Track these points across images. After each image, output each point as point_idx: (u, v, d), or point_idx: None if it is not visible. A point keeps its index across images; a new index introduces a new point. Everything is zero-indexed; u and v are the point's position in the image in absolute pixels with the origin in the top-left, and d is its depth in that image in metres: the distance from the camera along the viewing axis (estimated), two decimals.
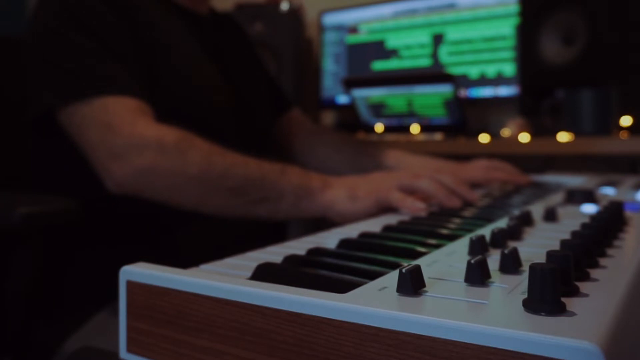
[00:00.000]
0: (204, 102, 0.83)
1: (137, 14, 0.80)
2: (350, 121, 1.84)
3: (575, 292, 0.29)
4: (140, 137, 0.70)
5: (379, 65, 1.86)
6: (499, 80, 1.63)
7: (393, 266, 0.36)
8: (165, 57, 0.80)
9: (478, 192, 0.75)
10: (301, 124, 1.10)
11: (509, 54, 1.61)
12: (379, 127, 1.66)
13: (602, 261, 0.36)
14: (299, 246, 0.46)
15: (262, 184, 0.71)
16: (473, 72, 1.67)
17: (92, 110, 0.72)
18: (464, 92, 1.67)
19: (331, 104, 1.96)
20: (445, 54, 1.73)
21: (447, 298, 0.29)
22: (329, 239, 0.49)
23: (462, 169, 0.90)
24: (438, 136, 1.53)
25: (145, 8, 0.82)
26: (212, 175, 0.70)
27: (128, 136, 0.70)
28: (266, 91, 1.04)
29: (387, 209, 0.66)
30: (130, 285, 0.36)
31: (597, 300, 0.29)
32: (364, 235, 0.50)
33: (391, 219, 0.58)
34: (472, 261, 0.31)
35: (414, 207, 0.61)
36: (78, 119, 0.72)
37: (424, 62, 1.76)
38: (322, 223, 0.64)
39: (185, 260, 0.41)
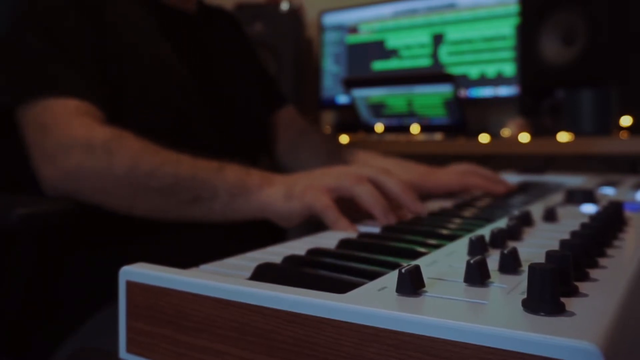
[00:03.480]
0: (172, 102, 0.82)
1: (107, 14, 0.79)
2: (350, 121, 1.85)
3: (574, 292, 0.29)
4: (69, 138, 0.68)
5: (379, 65, 1.86)
6: (499, 80, 1.63)
7: (393, 266, 0.36)
8: (132, 59, 0.79)
9: (435, 204, 0.70)
10: (289, 125, 1.08)
11: (509, 54, 1.61)
12: (379, 127, 1.66)
13: (602, 261, 0.37)
14: (298, 246, 0.46)
15: (193, 184, 0.67)
16: (473, 72, 1.67)
17: (34, 112, 0.71)
18: (464, 92, 1.67)
19: (331, 104, 1.96)
20: (445, 54, 1.73)
21: (447, 298, 0.29)
22: (329, 239, 0.49)
23: (436, 175, 0.84)
24: (438, 136, 1.53)
25: (117, 8, 0.81)
26: (139, 175, 0.67)
27: (58, 137, 0.68)
28: (258, 88, 1.03)
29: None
30: (130, 285, 0.36)
31: (597, 300, 0.29)
32: (363, 236, 0.50)
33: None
34: (472, 261, 0.31)
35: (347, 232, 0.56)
36: (23, 120, 0.72)
37: (424, 62, 1.76)
38: (322, 223, 0.62)
39: (184, 260, 0.41)
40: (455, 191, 0.83)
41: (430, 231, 0.50)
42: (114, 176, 0.67)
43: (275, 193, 0.64)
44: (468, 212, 0.61)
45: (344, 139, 1.58)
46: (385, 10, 1.84)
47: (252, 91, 1.00)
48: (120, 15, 0.81)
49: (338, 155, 1.01)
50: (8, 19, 0.78)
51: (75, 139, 0.68)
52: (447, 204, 0.69)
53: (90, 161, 0.67)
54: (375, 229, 0.53)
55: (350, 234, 0.54)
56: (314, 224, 0.63)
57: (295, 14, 1.90)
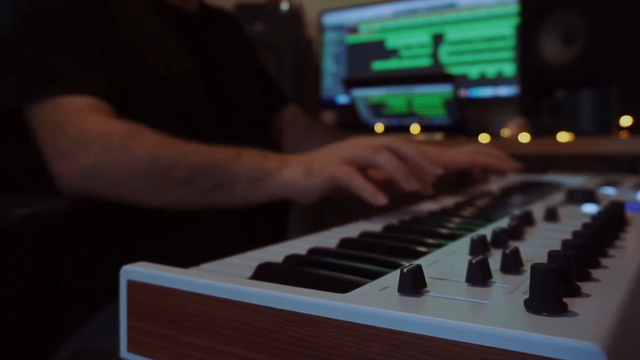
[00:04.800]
0: (178, 102, 0.82)
1: (112, 13, 0.79)
2: (350, 121, 1.85)
3: (576, 292, 0.29)
4: (85, 135, 0.68)
5: (379, 65, 1.86)
6: (499, 80, 1.63)
7: (394, 266, 0.36)
8: (138, 58, 0.79)
9: (436, 204, 0.71)
10: (293, 123, 1.08)
11: (509, 54, 1.61)
12: (379, 127, 1.66)
13: (604, 261, 0.36)
14: (299, 246, 0.46)
15: (214, 171, 0.67)
16: (473, 72, 1.67)
17: (45, 110, 0.71)
18: (464, 92, 1.67)
19: (331, 104, 1.96)
20: (445, 54, 1.73)
21: (448, 298, 0.29)
22: (330, 239, 0.49)
23: (446, 153, 0.86)
24: (438, 136, 1.53)
25: (122, 7, 0.81)
26: (160, 168, 0.67)
27: (73, 135, 0.68)
28: (259, 88, 1.03)
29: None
30: (131, 284, 0.36)
31: (599, 300, 0.29)
32: (364, 235, 0.50)
33: (392, 219, 0.58)
34: (473, 261, 0.31)
35: (374, 199, 0.58)
36: (35, 118, 0.72)
37: (424, 62, 1.76)
38: (323, 222, 0.62)
39: (185, 259, 0.41)
40: (466, 169, 0.84)
41: (431, 231, 0.50)
42: (134, 170, 0.67)
43: (294, 172, 0.65)
44: (469, 212, 0.61)
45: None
46: (385, 10, 1.84)
47: (253, 91, 1.00)
48: (124, 13, 0.81)
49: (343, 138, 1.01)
50: (12, 18, 0.78)
51: (91, 136, 0.68)
52: (447, 203, 0.69)
53: (108, 157, 0.67)
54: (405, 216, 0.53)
55: (379, 200, 0.56)
56: (313, 224, 0.63)
57: (295, 14, 1.90)
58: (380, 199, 0.58)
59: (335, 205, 1.35)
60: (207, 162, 0.68)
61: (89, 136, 0.68)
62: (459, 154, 0.85)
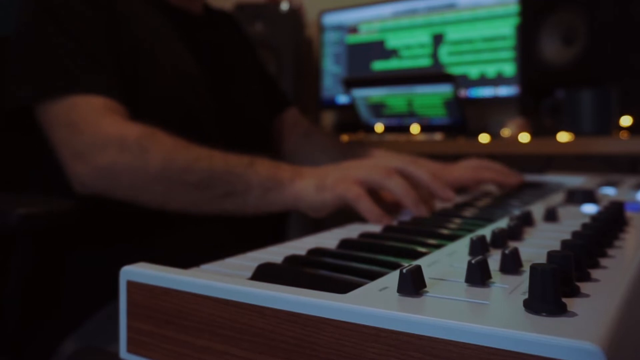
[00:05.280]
0: (184, 102, 0.83)
1: (120, 13, 0.79)
2: (350, 121, 1.84)
3: (576, 293, 0.29)
4: (102, 136, 0.69)
5: (379, 65, 1.86)
6: (499, 80, 1.63)
7: (393, 266, 0.36)
8: (146, 58, 0.80)
9: (436, 204, 0.71)
10: (294, 126, 1.09)
11: (509, 54, 1.61)
12: (379, 127, 1.66)
13: (603, 261, 0.36)
14: (299, 246, 0.46)
15: (228, 177, 0.68)
16: (473, 72, 1.67)
17: (60, 109, 0.71)
18: (464, 92, 1.67)
19: (331, 104, 1.96)
20: (445, 54, 1.73)
21: (448, 298, 0.29)
22: (330, 239, 0.49)
23: (449, 170, 0.86)
24: (438, 136, 1.53)
25: (129, 7, 0.81)
26: (175, 171, 0.68)
27: (90, 135, 0.69)
28: (260, 90, 1.04)
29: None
30: (131, 285, 0.36)
31: (598, 300, 0.29)
32: (364, 236, 0.50)
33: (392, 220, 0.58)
34: (473, 261, 0.31)
35: (379, 225, 0.57)
36: (48, 117, 0.72)
37: (424, 62, 1.76)
38: (323, 222, 0.62)
39: (185, 260, 0.41)
40: (469, 186, 0.84)
41: (431, 231, 0.50)
42: (149, 172, 0.68)
43: (307, 185, 0.65)
44: (469, 212, 0.61)
45: (344, 139, 1.58)
46: (385, 10, 1.84)
47: (256, 93, 1.01)
48: (131, 14, 0.81)
49: (351, 154, 1.01)
50: (24, 17, 0.77)
51: (108, 137, 0.69)
52: (447, 204, 0.69)
53: (125, 158, 0.68)
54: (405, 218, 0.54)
55: (385, 224, 0.55)
56: (313, 224, 0.63)
57: (295, 14, 1.90)
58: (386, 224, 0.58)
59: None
60: (220, 169, 0.68)
61: (105, 137, 0.69)
62: (464, 171, 0.85)
